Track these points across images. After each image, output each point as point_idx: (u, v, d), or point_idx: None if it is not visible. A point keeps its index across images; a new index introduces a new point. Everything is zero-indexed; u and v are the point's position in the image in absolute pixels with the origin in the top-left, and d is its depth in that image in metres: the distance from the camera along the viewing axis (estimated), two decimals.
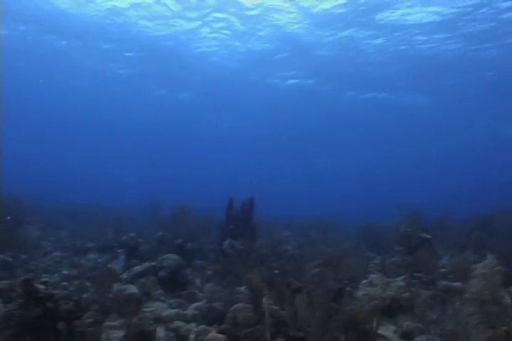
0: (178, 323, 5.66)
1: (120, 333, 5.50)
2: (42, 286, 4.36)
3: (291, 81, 31.56)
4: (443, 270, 7.89)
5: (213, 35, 25.09)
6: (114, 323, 5.89)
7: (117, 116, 45.48)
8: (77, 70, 32.03)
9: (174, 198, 16.31)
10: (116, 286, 6.66)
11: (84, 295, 6.33)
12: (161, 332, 5.32)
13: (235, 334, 4.32)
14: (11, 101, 38.06)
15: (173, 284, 7.50)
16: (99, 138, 56.54)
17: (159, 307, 6.52)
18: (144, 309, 6.08)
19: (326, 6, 20.35)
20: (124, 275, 7.64)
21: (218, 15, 22.54)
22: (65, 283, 7.12)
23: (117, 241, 11.06)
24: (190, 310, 6.50)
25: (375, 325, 4.49)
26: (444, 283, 7.10)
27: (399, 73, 27.47)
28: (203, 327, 5.35)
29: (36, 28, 25.06)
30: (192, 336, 5.22)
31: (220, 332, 4.43)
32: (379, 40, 23.69)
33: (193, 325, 5.75)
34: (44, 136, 56.06)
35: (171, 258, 7.83)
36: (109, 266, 8.44)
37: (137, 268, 7.71)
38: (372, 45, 24.30)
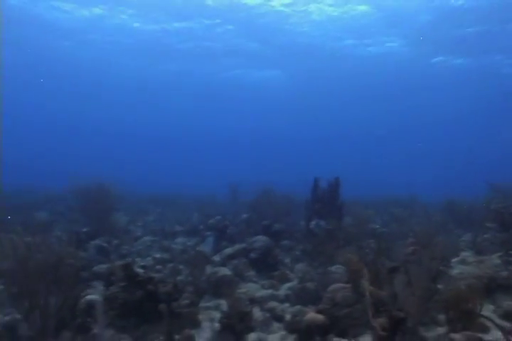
0: (272, 304, 5.70)
1: (215, 314, 5.64)
2: (141, 270, 4.53)
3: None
4: None
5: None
6: (208, 304, 6.04)
7: None
8: None
9: (253, 181, 16.50)
10: (208, 268, 6.82)
11: (179, 278, 6.53)
12: (257, 312, 5.39)
13: (335, 314, 4.28)
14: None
15: (264, 265, 7.57)
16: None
17: (252, 288, 6.60)
18: (238, 290, 6.19)
19: None
20: (216, 258, 7.80)
21: None
22: (158, 267, 7.37)
23: (204, 225, 11.34)
24: (283, 290, 6.52)
25: (477, 304, 4.32)
26: None
27: None
28: (298, 307, 5.35)
29: None
30: (288, 316, 5.23)
31: (319, 312, 4.41)
32: None
33: (287, 305, 5.78)
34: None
35: (261, 240, 7.90)
36: (199, 249, 8.67)
37: (228, 251, 7.84)
38: None
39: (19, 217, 11.13)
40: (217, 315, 5.51)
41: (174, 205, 18.63)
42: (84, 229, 9.26)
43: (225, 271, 6.72)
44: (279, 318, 5.35)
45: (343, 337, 4.19)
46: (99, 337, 4.11)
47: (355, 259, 4.54)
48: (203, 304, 5.94)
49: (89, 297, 4.62)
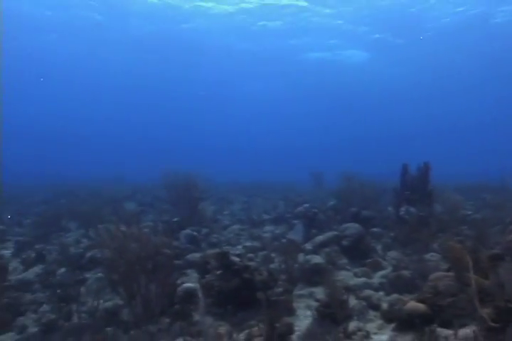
0: (367, 292, 5.62)
1: (309, 302, 5.64)
2: (237, 259, 4.61)
3: None
4: None
5: None
6: (302, 292, 6.05)
7: None
8: None
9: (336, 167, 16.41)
10: (300, 257, 6.83)
11: (271, 266, 6.59)
12: (352, 300, 5.34)
13: (437, 303, 4.14)
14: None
15: (356, 253, 7.47)
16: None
17: (345, 276, 6.54)
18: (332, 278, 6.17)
19: None
20: (308, 246, 7.80)
21: None
22: (250, 255, 7.47)
23: (291, 213, 11.38)
24: (377, 278, 6.42)
25: None
26: None
27: None
28: (395, 296, 5.24)
29: None
30: (385, 305, 5.13)
31: (420, 301, 4.29)
32: None
33: (382, 293, 5.68)
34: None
35: (353, 227, 7.79)
36: (290, 237, 8.71)
37: (319, 238, 7.80)
38: None
39: (109, 208, 11.71)
40: (311, 303, 5.51)
41: (258, 194, 18.84)
42: (175, 219, 9.56)
43: (318, 259, 6.70)
44: (375, 307, 5.26)
45: (447, 328, 4.05)
46: (201, 323, 4.24)
47: (458, 247, 4.36)
48: (296, 292, 5.97)
49: (186, 285, 4.77)
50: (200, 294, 4.59)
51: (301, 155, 67.63)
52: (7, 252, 8.84)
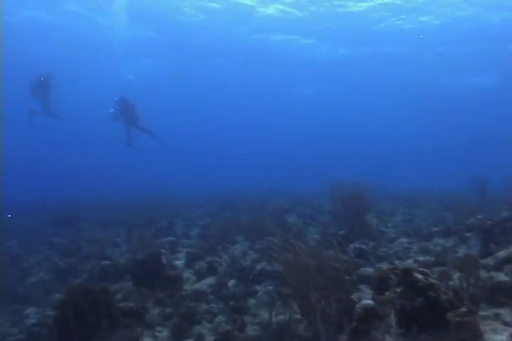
0: None
1: (496, 324, 5.19)
2: (420, 275, 4.39)
3: None
4: None
5: None
6: (486, 313, 5.60)
7: None
8: None
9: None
10: (481, 273, 6.34)
11: (450, 283, 6.20)
12: None
13: None
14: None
15: None
16: None
17: None
18: None
19: None
20: (488, 262, 7.24)
21: None
22: (425, 270, 7.11)
23: (462, 224, 10.70)
24: None
25: None
26: None
27: None
28: None
29: None
30: None
31: None
32: None
33: None
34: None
35: None
36: (465, 251, 8.17)
37: (501, 253, 7.19)
38: None
39: (273, 220, 11.97)
40: (498, 326, 5.07)
41: (420, 204, 18.10)
42: (341, 232, 9.49)
43: (502, 277, 6.17)
44: None
45: None
46: None
47: None
48: (480, 313, 5.54)
49: (365, 301, 4.64)
50: (380, 312, 4.43)
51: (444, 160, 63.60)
52: (179, 263, 9.42)
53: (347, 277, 6.26)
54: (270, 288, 7.18)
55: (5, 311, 8.47)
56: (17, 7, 27.06)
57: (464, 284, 5.82)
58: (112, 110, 16.09)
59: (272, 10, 28.00)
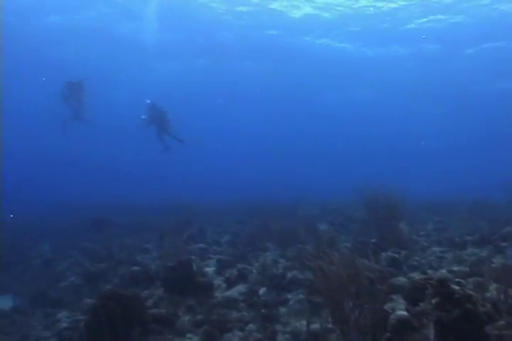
0: None
1: None
2: (457, 287, 4.32)
3: None
4: None
5: None
6: None
7: None
8: None
9: None
10: None
11: (487, 295, 6.07)
12: None
13: None
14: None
15: None
16: None
17: None
18: None
19: None
20: None
21: None
22: (460, 281, 6.99)
23: (497, 234, 10.50)
24: None
25: None
26: None
27: None
28: None
29: None
30: None
31: None
32: None
33: None
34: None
35: None
36: (504, 262, 8.00)
37: None
38: None
39: (304, 228, 11.92)
40: None
41: (454, 211, 17.78)
42: (373, 240, 9.40)
43: None
44: None
45: None
46: None
47: None
48: None
49: (399, 312, 4.59)
50: (414, 323, 4.37)
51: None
52: (210, 270, 9.45)
53: (380, 286, 6.21)
54: (301, 296, 7.15)
55: (38, 314, 8.63)
56: (45, 12, 27.55)
57: (502, 296, 5.70)
58: (143, 117, 16.23)
59: (302, 12, 27.96)
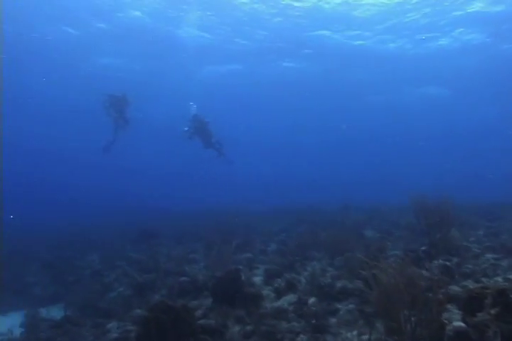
0: None
1: None
2: None
3: None
4: None
5: None
6: None
7: None
8: None
9: None
10: None
11: None
12: None
13: None
14: None
15: None
16: None
17: None
18: None
19: None
20: None
21: None
22: None
23: None
24: None
25: None
26: None
27: None
28: None
29: None
30: None
31: None
32: None
33: None
34: None
35: None
36: None
37: None
38: None
39: (351, 236, 11.79)
40: None
41: (502, 216, 17.30)
42: (423, 248, 9.22)
43: None
44: None
45: None
46: None
47: None
48: None
49: (456, 323, 4.48)
50: (476, 336, 4.25)
51: None
52: (258, 280, 9.44)
53: (434, 296, 6.08)
54: (352, 306, 7.06)
55: (88, 324, 8.81)
56: (89, 21, 28.16)
57: None
58: (186, 128, 16.35)
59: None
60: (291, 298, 7.86)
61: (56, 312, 10.37)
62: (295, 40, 31.92)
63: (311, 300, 7.55)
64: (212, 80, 39.45)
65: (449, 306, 6.31)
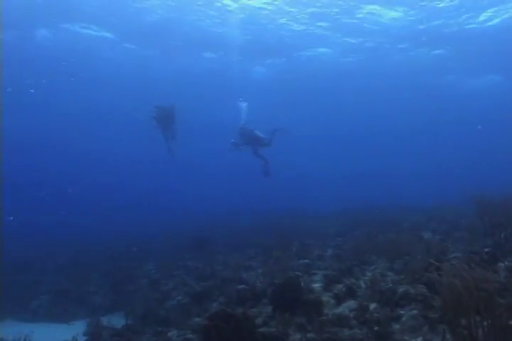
0: None
1: None
2: None
3: None
4: None
5: None
6: None
7: None
8: None
9: None
10: None
11: None
12: None
13: None
14: None
15: None
16: None
17: None
18: None
19: None
20: None
21: None
22: None
23: None
24: None
25: None
26: None
27: None
28: None
29: None
30: None
31: None
32: None
33: None
34: None
35: None
36: None
37: None
38: None
39: (409, 238, 11.57)
40: None
41: None
42: (486, 249, 8.97)
43: None
44: None
45: None
46: None
47: None
48: None
49: None
50: None
51: None
52: (317, 286, 9.39)
53: (502, 300, 5.91)
54: (415, 311, 6.93)
55: (149, 332, 9.01)
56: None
57: None
58: (232, 140, 16.24)
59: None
60: (351, 304, 7.78)
61: (116, 321, 10.66)
62: None
63: (372, 305, 7.47)
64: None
65: None
